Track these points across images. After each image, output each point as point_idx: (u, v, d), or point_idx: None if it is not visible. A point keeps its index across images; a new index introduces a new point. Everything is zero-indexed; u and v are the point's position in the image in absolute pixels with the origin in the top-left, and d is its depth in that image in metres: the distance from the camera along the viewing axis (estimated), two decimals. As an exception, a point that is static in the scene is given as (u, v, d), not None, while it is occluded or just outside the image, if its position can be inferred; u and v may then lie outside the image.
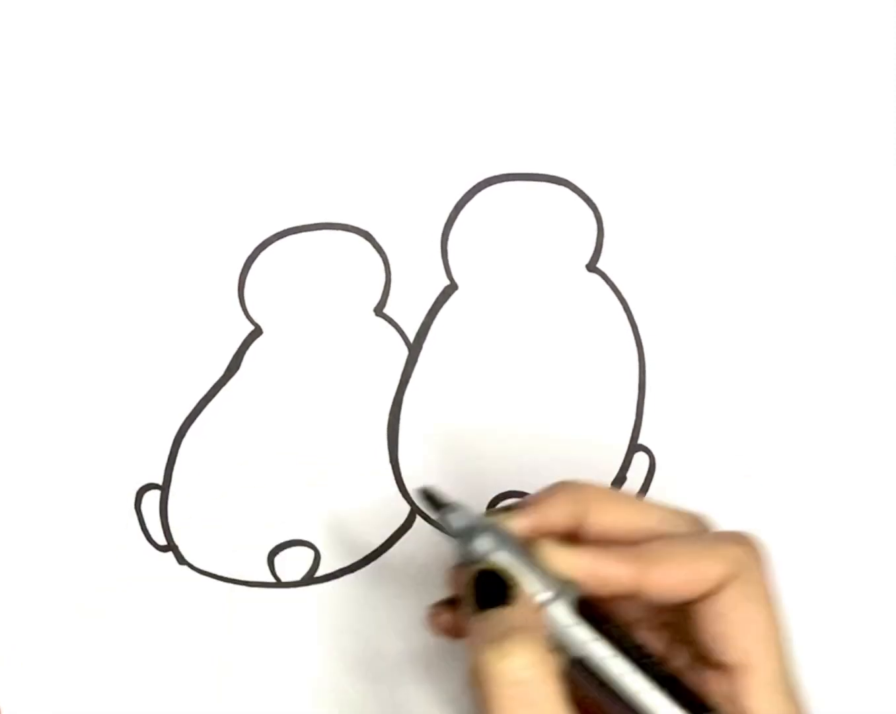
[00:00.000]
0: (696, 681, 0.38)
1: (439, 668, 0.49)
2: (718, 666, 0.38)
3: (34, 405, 0.49)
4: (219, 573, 0.49)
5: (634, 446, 0.50)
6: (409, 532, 0.49)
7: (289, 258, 0.49)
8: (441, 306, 0.49)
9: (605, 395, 0.50)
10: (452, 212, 0.49)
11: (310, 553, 0.49)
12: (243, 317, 0.49)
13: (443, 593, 0.48)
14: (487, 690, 0.35)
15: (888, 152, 0.50)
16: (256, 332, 0.49)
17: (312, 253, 0.49)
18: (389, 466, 0.49)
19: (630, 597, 0.38)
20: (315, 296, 0.49)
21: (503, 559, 0.38)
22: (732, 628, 0.38)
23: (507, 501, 0.49)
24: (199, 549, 0.49)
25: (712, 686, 0.38)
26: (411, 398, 0.49)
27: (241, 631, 0.49)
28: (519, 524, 0.39)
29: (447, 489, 0.48)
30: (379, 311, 0.49)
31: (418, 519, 0.49)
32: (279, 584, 0.49)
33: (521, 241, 0.49)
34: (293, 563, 0.49)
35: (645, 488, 0.50)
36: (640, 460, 0.50)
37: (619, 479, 0.50)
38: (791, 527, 0.50)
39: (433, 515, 0.43)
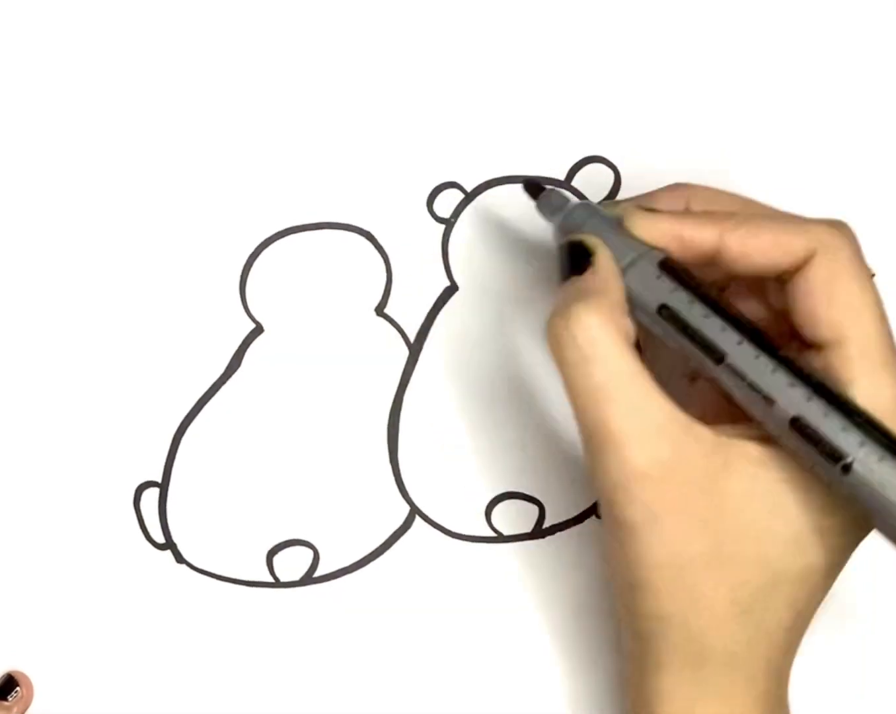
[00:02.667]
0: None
1: (436, 667, 0.48)
2: (813, 345, 0.38)
3: (33, 402, 0.49)
4: (217, 572, 0.49)
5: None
6: (409, 532, 0.49)
7: (290, 257, 0.49)
8: (442, 307, 0.50)
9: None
10: (453, 213, 0.50)
11: (309, 553, 0.49)
12: (244, 315, 0.49)
13: (441, 595, 0.49)
14: (557, 355, 0.37)
15: (890, 152, 0.50)
16: (257, 330, 0.49)
17: (314, 252, 0.49)
18: (389, 466, 0.49)
19: (717, 263, 0.38)
20: (316, 295, 0.49)
21: (590, 230, 0.39)
22: (820, 303, 0.37)
23: (509, 501, 0.49)
24: (198, 548, 0.49)
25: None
26: (411, 398, 0.49)
27: (240, 630, 0.49)
28: (619, 207, 0.40)
29: (447, 489, 0.49)
30: (380, 311, 0.50)
31: (418, 519, 0.49)
32: (278, 583, 0.49)
33: (522, 243, 0.50)
34: (292, 563, 0.49)
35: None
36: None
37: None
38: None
39: (533, 201, 0.44)
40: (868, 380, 0.37)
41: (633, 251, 0.39)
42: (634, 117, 0.50)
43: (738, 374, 0.37)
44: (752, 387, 0.36)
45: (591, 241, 0.39)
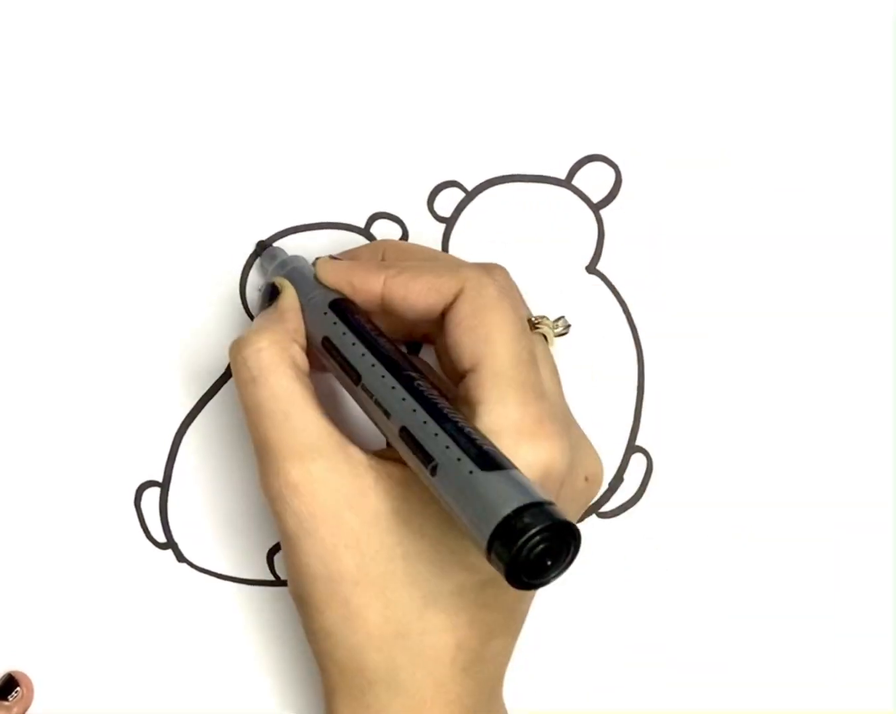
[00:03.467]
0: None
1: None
2: (462, 373, 0.40)
3: (34, 402, 0.49)
4: (218, 571, 0.49)
5: (632, 448, 0.50)
6: (409, 531, 0.49)
7: (290, 257, 0.49)
8: (441, 306, 0.50)
9: (604, 396, 0.50)
10: (454, 212, 0.50)
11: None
12: (245, 315, 0.49)
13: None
14: (234, 374, 0.41)
15: (887, 155, 0.50)
16: (257, 330, 0.49)
17: (313, 252, 0.49)
18: (389, 465, 0.49)
19: (387, 307, 0.42)
20: (316, 295, 0.49)
21: (289, 275, 0.45)
22: (463, 333, 0.40)
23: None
24: (199, 547, 0.49)
25: (459, 396, 0.40)
26: (411, 397, 0.49)
27: (240, 629, 0.49)
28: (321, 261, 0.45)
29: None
30: (380, 310, 0.50)
31: (417, 518, 0.49)
32: (278, 582, 0.49)
33: (522, 243, 0.50)
34: (292, 562, 0.49)
35: (642, 490, 0.50)
36: (637, 462, 0.50)
37: (617, 480, 0.50)
38: (790, 527, 0.50)
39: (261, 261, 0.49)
40: (495, 400, 0.39)
41: (315, 291, 0.44)
42: (635, 116, 0.50)
43: (368, 392, 0.40)
44: (377, 402, 0.39)
45: (281, 281, 0.44)
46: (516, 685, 0.47)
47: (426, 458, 0.37)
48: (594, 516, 0.50)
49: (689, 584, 0.50)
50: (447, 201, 0.50)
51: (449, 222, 0.50)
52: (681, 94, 0.50)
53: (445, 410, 0.37)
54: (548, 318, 0.45)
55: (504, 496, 0.34)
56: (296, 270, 0.45)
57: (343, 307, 0.42)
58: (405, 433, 0.38)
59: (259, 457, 0.40)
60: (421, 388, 0.39)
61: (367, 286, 0.42)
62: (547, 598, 0.48)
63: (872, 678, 0.50)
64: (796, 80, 0.50)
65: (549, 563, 0.34)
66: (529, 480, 0.35)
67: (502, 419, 0.38)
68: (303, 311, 0.43)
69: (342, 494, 0.39)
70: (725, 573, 0.50)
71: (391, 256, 0.45)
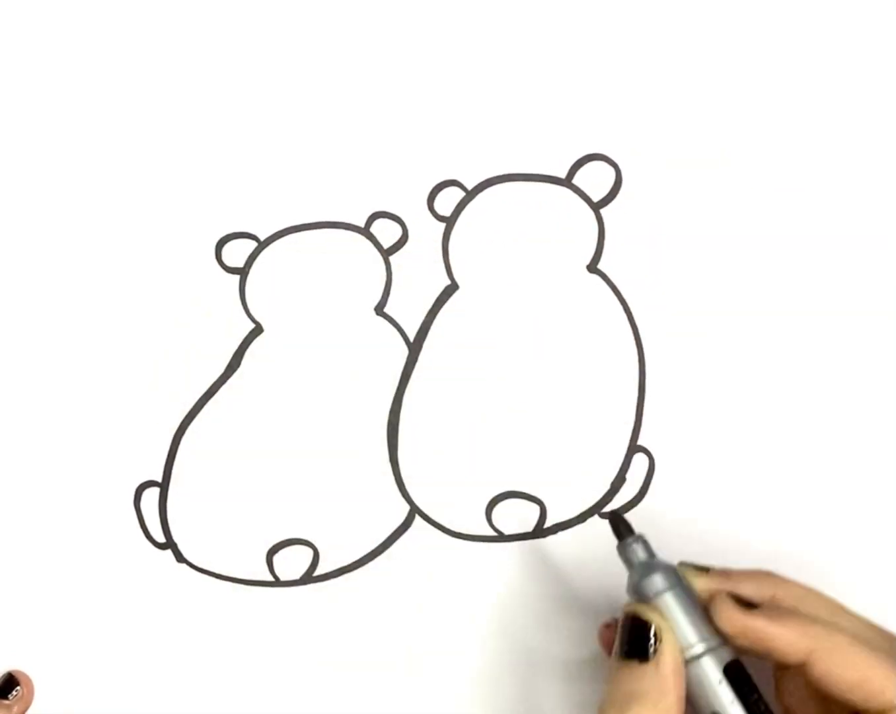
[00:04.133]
0: None
1: (437, 666, 0.48)
2: None
3: (34, 402, 0.49)
4: (217, 571, 0.49)
5: (634, 447, 0.50)
6: (409, 531, 0.49)
7: (290, 256, 0.49)
8: (441, 306, 0.50)
9: (605, 396, 0.50)
10: (454, 212, 0.50)
11: (309, 552, 0.49)
12: (244, 315, 0.49)
13: (441, 594, 0.48)
14: None
15: (888, 155, 0.50)
16: (257, 330, 0.49)
17: (314, 251, 0.49)
18: (389, 465, 0.49)
19: (796, 671, 0.37)
20: (316, 294, 0.49)
21: (667, 604, 0.38)
22: None
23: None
24: (198, 547, 0.49)
25: None
26: (411, 397, 0.49)
27: (240, 629, 0.49)
28: (702, 580, 0.39)
29: (447, 488, 0.49)
30: (380, 310, 0.50)
31: (418, 518, 0.49)
32: (278, 582, 0.49)
33: (522, 242, 0.50)
34: (292, 562, 0.49)
35: (644, 489, 0.50)
36: (639, 461, 0.50)
37: (619, 480, 0.50)
38: (790, 527, 0.50)
39: (617, 541, 0.42)
40: None
41: (702, 642, 0.38)
42: (635, 115, 0.50)
43: None
44: None
45: (659, 623, 0.38)
46: (514, 686, 0.47)
47: None
48: (596, 516, 0.50)
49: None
50: (447, 200, 0.50)
51: (449, 221, 0.50)
52: (681, 94, 0.50)
53: None
54: None
55: None
56: (673, 595, 0.39)
57: (741, 679, 0.37)
58: None
59: None
60: None
61: (787, 653, 0.37)
62: (547, 598, 0.48)
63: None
64: (796, 80, 0.50)
65: None
66: None
67: None
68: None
69: None
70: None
71: (786, 598, 0.39)
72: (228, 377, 0.49)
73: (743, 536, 0.49)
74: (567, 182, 0.50)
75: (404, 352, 0.49)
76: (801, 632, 0.37)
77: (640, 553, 0.41)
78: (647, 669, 0.37)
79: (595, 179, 0.50)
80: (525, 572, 0.49)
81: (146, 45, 0.50)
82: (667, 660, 0.37)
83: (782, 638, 0.37)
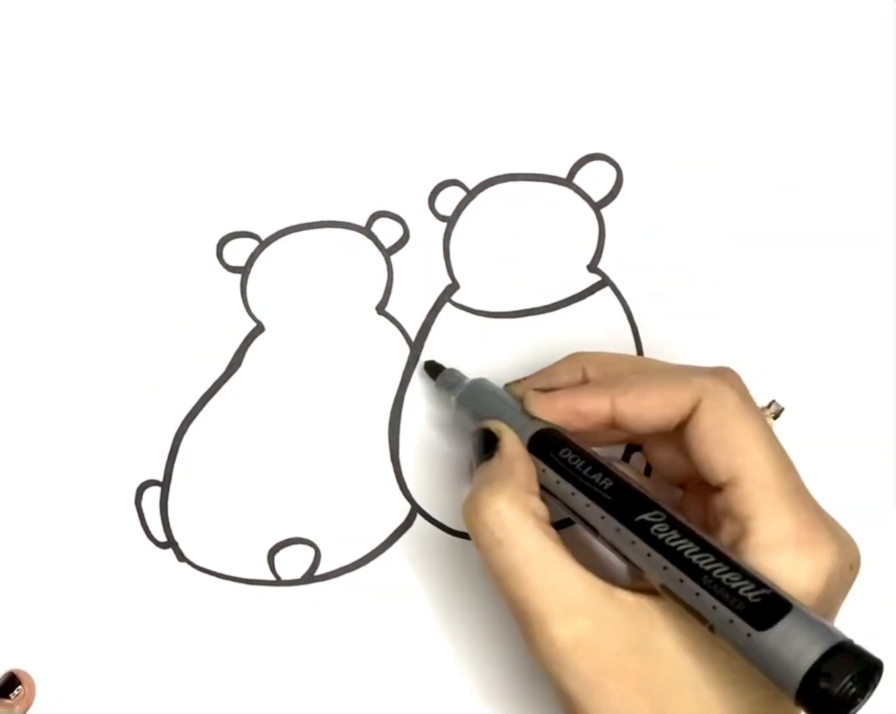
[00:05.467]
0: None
1: (438, 665, 0.48)
2: (717, 487, 0.39)
3: (35, 401, 0.49)
4: (218, 571, 0.49)
5: (634, 446, 0.50)
6: (410, 530, 0.49)
7: (291, 255, 0.49)
8: (443, 305, 0.50)
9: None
10: (455, 211, 0.50)
11: (310, 551, 0.49)
12: (245, 314, 0.49)
13: (443, 594, 0.48)
14: (474, 539, 0.39)
15: (887, 154, 0.50)
16: (258, 329, 0.49)
17: (315, 251, 0.49)
18: (390, 464, 0.49)
19: (616, 427, 0.40)
20: (317, 293, 0.49)
21: (495, 410, 0.42)
22: (712, 449, 0.38)
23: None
24: (199, 547, 0.49)
25: (718, 508, 0.39)
26: (412, 396, 0.49)
27: (241, 629, 0.49)
28: (519, 385, 0.44)
29: (448, 487, 0.49)
30: (381, 309, 0.50)
31: (419, 517, 0.49)
32: (279, 582, 0.49)
33: (522, 241, 0.50)
34: (293, 562, 0.49)
35: (645, 488, 0.50)
36: (638, 460, 0.50)
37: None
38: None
39: (434, 382, 0.47)
40: (767, 513, 0.37)
41: (519, 424, 0.41)
42: (636, 115, 0.50)
43: (611, 545, 0.38)
44: (626, 558, 0.38)
45: (497, 426, 0.42)
46: (516, 685, 0.48)
47: (698, 617, 0.35)
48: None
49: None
50: (448, 200, 0.50)
51: (450, 221, 0.50)
52: (681, 94, 0.50)
53: (697, 560, 0.35)
54: (762, 408, 0.44)
55: (798, 650, 0.33)
56: (493, 398, 0.43)
57: (549, 445, 0.40)
58: (665, 590, 0.36)
59: (521, 621, 0.38)
60: (661, 536, 0.36)
61: (595, 412, 0.40)
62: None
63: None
64: (796, 81, 0.50)
65: (857, 698, 0.33)
66: (816, 616, 0.34)
67: (779, 532, 0.37)
68: None
69: (622, 642, 0.37)
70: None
71: (593, 372, 0.43)
72: (229, 376, 0.49)
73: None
74: (568, 182, 0.50)
75: (405, 351, 0.49)
76: (599, 389, 0.41)
77: (456, 376, 0.46)
78: (493, 460, 0.40)
79: (596, 179, 0.50)
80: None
81: (147, 44, 0.50)
82: (508, 448, 0.40)
83: (585, 401, 0.40)
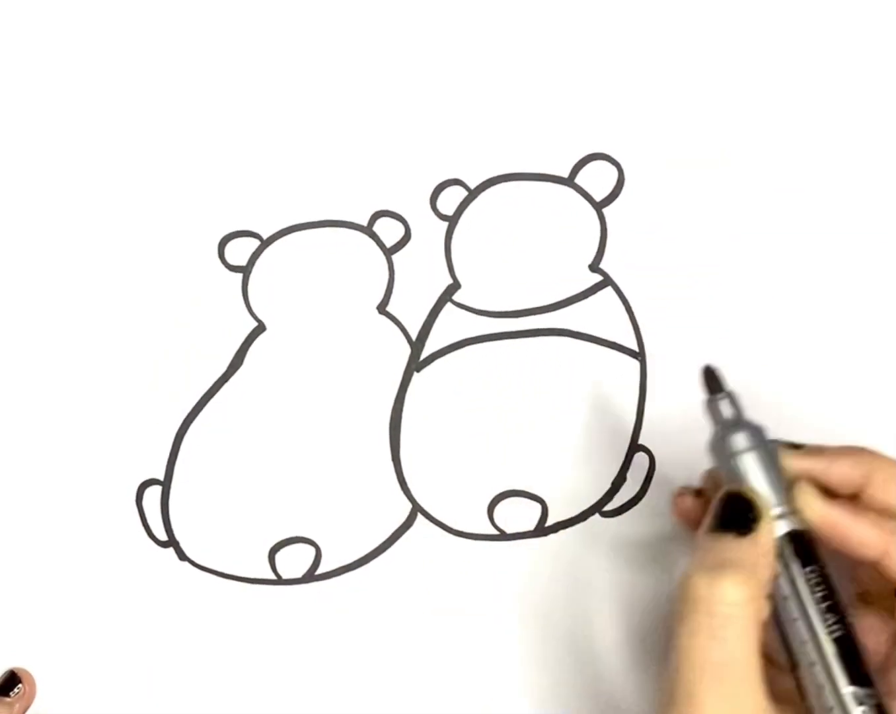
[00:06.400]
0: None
1: (438, 664, 0.48)
2: None
3: (37, 401, 0.49)
4: (219, 570, 0.49)
5: (635, 446, 0.50)
6: (411, 530, 0.49)
7: (293, 255, 0.49)
8: (444, 305, 0.50)
9: (606, 395, 0.50)
10: (456, 211, 0.50)
11: (311, 550, 0.49)
12: (247, 313, 0.49)
13: (443, 593, 0.48)
14: (686, 610, 0.35)
15: (888, 154, 0.50)
16: (260, 328, 0.49)
17: (316, 250, 0.49)
18: (391, 464, 0.49)
19: (876, 566, 0.37)
20: (318, 293, 0.49)
21: (748, 464, 0.38)
22: None
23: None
24: (200, 546, 0.49)
25: None
26: (413, 396, 0.49)
27: (242, 628, 0.49)
28: (792, 455, 0.40)
29: (449, 487, 0.49)
30: (382, 308, 0.50)
31: (420, 517, 0.49)
32: (280, 581, 0.49)
33: (524, 241, 0.50)
34: (294, 561, 0.49)
35: (644, 488, 0.50)
36: (640, 460, 0.50)
37: (619, 479, 0.50)
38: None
39: (706, 397, 0.41)
40: None
41: (779, 506, 0.38)
42: (637, 115, 0.50)
43: (800, 688, 0.36)
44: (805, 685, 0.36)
45: (761, 503, 0.38)
46: (515, 684, 0.48)
47: None
48: (597, 515, 0.50)
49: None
50: (450, 199, 0.50)
51: (451, 220, 0.50)
52: (683, 94, 0.50)
53: None
54: None
55: None
56: (756, 456, 0.39)
57: (800, 551, 0.37)
58: None
59: (675, 700, 0.36)
60: (874, 700, 0.35)
61: (865, 546, 0.37)
62: (548, 597, 0.48)
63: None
64: (797, 81, 0.50)
65: None
66: None
67: None
68: None
69: None
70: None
71: (880, 487, 0.39)
72: (231, 375, 0.49)
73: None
74: (569, 181, 0.50)
75: (406, 350, 0.49)
76: (879, 527, 0.37)
77: (727, 409, 0.40)
78: (744, 541, 0.37)
79: (597, 179, 0.50)
80: (526, 571, 0.49)
81: (149, 44, 0.50)
82: (765, 538, 0.37)
83: (859, 532, 0.37)
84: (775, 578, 0.37)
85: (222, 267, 0.49)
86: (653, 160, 0.50)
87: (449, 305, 0.50)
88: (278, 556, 0.49)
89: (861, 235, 0.50)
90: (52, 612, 0.48)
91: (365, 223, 0.50)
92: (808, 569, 0.37)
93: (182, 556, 0.49)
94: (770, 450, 0.39)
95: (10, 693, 0.47)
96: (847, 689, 0.35)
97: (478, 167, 0.50)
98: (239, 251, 0.49)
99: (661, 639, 0.50)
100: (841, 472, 0.39)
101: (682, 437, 0.50)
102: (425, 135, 0.50)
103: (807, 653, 0.36)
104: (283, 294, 0.49)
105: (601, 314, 0.50)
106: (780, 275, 0.50)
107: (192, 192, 0.49)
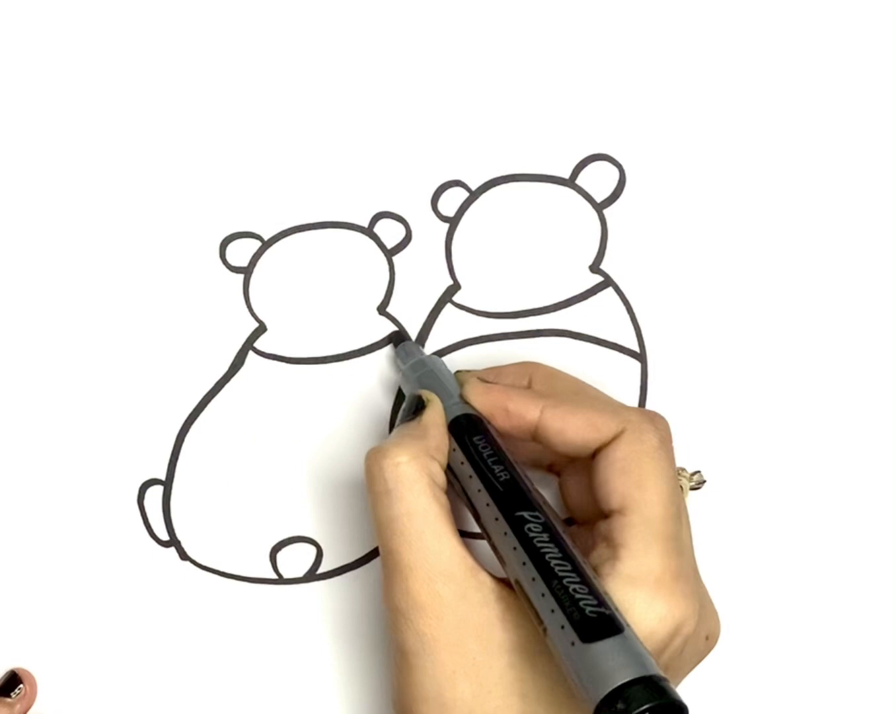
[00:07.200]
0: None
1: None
2: (606, 514, 0.40)
3: (38, 401, 0.49)
4: (221, 569, 0.49)
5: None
6: (411, 530, 0.49)
7: (294, 256, 0.50)
8: (444, 306, 0.50)
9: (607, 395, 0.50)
10: (457, 212, 0.50)
11: (312, 550, 0.49)
12: (248, 314, 0.49)
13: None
14: (367, 484, 0.40)
15: (889, 155, 0.50)
16: (260, 329, 0.49)
17: (317, 251, 0.50)
18: (392, 464, 0.49)
19: (538, 438, 0.42)
20: (319, 294, 0.50)
21: (435, 387, 0.44)
22: (615, 474, 0.40)
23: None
24: (202, 545, 0.49)
25: (598, 533, 0.40)
26: (414, 396, 0.49)
27: (243, 627, 0.49)
28: (469, 373, 0.45)
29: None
30: (382, 309, 0.50)
31: (420, 517, 0.49)
32: (281, 580, 0.49)
33: (525, 242, 0.50)
34: (295, 560, 0.49)
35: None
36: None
37: (621, 480, 0.50)
38: (791, 527, 0.50)
39: (395, 349, 0.49)
40: (640, 548, 0.38)
41: (452, 406, 0.43)
42: (639, 115, 0.50)
43: (485, 531, 0.40)
44: (494, 546, 0.39)
45: (428, 395, 0.43)
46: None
47: (535, 616, 0.37)
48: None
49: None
50: (451, 201, 0.50)
51: (452, 222, 0.50)
52: (684, 94, 0.50)
53: (555, 564, 0.37)
54: (686, 471, 0.46)
55: (610, 670, 0.34)
56: (434, 375, 0.45)
57: (467, 428, 0.42)
58: (518, 586, 0.38)
59: (386, 570, 0.40)
60: (531, 535, 0.38)
61: (522, 414, 0.42)
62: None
63: (876, 679, 0.49)
64: (800, 82, 0.50)
65: None
66: (642, 647, 0.35)
67: (643, 568, 0.38)
68: None
69: (468, 622, 0.38)
70: (728, 572, 0.49)
71: (540, 383, 0.44)
72: (232, 376, 0.49)
73: (743, 537, 0.50)
74: (570, 182, 0.50)
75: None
76: (532, 396, 0.42)
77: (416, 349, 0.48)
78: (412, 422, 0.42)
79: (598, 180, 0.50)
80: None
81: (150, 44, 0.50)
82: (429, 415, 0.42)
83: (516, 401, 0.42)
84: (453, 452, 0.42)
85: (223, 268, 0.49)
86: (654, 161, 0.50)
87: (449, 306, 0.50)
88: (279, 556, 0.49)
89: (864, 237, 0.50)
90: (54, 613, 0.49)
91: (366, 224, 0.50)
92: (476, 437, 0.41)
93: (184, 555, 0.49)
94: (437, 366, 0.46)
95: (12, 693, 0.47)
96: (516, 515, 0.39)
97: (479, 168, 0.50)
98: (240, 252, 0.49)
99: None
100: (508, 379, 0.44)
101: (682, 437, 0.50)
102: (426, 136, 0.50)
103: (480, 498, 0.40)
104: (284, 295, 0.49)
105: (602, 315, 0.50)
106: (782, 275, 0.50)
107: (194, 193, 0.49)
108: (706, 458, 0.50)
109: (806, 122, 0.50)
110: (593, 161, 0.50)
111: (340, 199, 0.50)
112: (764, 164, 0.50)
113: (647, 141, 0.50)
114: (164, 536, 0.49)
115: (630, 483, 0.39)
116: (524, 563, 0.37)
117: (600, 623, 0.35)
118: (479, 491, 0.40)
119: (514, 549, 0.38)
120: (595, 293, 0.50)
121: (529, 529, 0.38)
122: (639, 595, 0.37)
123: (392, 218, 0.50)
